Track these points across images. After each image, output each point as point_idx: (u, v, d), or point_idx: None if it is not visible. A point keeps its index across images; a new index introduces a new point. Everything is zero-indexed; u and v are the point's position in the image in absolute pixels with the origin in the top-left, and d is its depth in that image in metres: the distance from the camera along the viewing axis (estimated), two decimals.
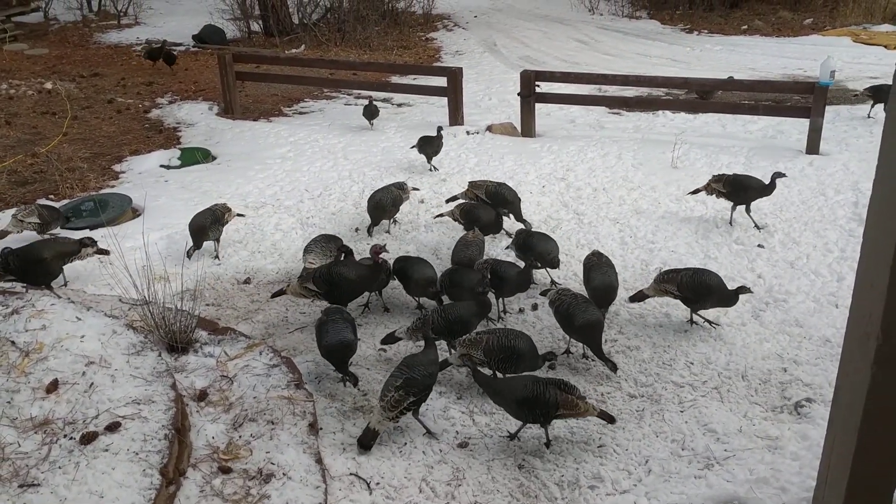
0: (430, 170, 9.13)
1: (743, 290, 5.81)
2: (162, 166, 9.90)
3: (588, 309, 5.38)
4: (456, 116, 10.90)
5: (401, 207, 7.73)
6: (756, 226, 7.39)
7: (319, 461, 4.33)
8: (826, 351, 5.55)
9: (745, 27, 18.49)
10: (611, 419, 4.67)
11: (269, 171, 9.36)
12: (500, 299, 6.16)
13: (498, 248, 7.19)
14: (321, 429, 4.72)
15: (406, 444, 4.69)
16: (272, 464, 4.21)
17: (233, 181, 9.01)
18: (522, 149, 9.80)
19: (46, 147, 10.40)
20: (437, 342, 5.49)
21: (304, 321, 6.14)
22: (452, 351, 5.48)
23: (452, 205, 7.49)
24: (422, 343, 5.11)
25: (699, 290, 5.75)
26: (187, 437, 4.23)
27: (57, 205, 8.11)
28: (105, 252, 6.59)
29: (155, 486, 3.65)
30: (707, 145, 9.68)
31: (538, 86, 10.56)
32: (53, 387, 4.18)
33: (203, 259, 7.08)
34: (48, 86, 13.56)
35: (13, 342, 4.54)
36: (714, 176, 7.68)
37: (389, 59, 16.26)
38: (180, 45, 17.39)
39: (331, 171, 9.30)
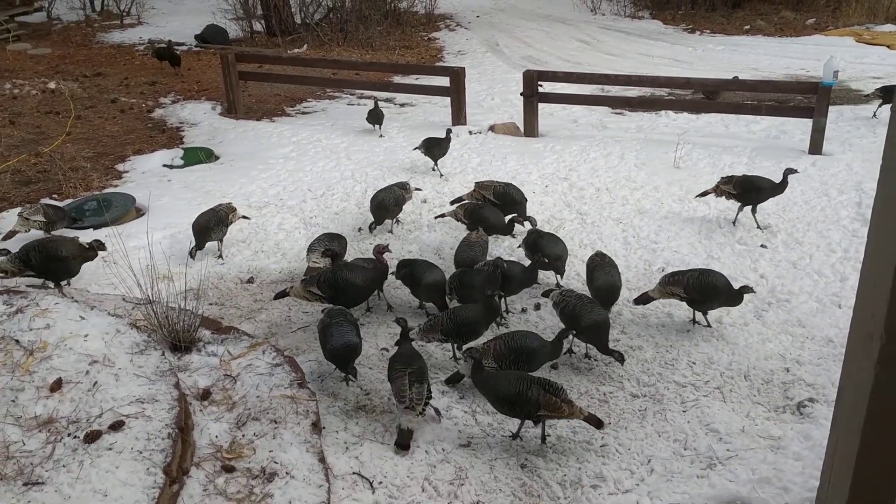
0: (435, 171, 9.06)
1: (746, 289, 5.82)
2: (165, 166, 9.92)
3: (594, 309, 5.39)
4: (458, 116, 10.91)
5: (403, 207, 7.73)
6: (759, 226, 7.39)
7: (322, 460, 4.33)
8: (829, 351, 5.55)
9: (748, 27, 18.48)
10: (598, 424, 4.59)
11: (272, 170, 9.38)
12: (504, 299, 6.16)
13: (500, 248, 7.19)
14: (324, 428, 4.73)
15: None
16: (275, 463, 4.21)
17: (236, 181, 9.02)
18: (525, 149, 9.81)
19: (50, 147, 10.42)
20: (445, 343, 5.52)
21: (306, 321, 6.15)
22: (459, 354, 5.50)
23: (455, 206, 7.48)
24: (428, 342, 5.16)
25: (706, 291, 5.74)
26: (191, 436, 4.23)
27: (61, 204, 8.13)
28: (103, 248, 6.58)
29: (158, 485, 3.66)
30: (710, 145, 9.68)
31: (541, 86, 10.57)
32: (57, 385, 4.19)
33: (206, 258, 7.10)
34: (51, 85, 13.58)
35: (17, 341, 4.55)
36: (723, 178, 7.63)
37: (392, 58, 16.27)
38: (183, 44, 17.41)
39: (333, 170, 9.31)
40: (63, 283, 6.28)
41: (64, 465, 3.68)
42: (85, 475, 3.63)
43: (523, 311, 6.24)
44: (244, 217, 7.57)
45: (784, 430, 4.74)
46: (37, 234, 7.22)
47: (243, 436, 4.39)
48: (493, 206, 7.31)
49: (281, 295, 6.08)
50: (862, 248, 2.79)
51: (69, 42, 17.99)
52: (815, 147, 9.21)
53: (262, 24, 18.77)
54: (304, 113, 12.64)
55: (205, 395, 4.70)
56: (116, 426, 3.95)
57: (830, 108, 9.31)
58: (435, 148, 9.00)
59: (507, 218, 7.19)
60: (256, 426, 4.47)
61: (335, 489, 4.25)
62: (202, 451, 4.23)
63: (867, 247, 2.63)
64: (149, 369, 4.47)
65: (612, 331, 5.81)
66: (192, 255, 6.98)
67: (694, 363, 5.51)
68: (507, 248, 7.21)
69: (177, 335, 5.08)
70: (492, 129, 10.68)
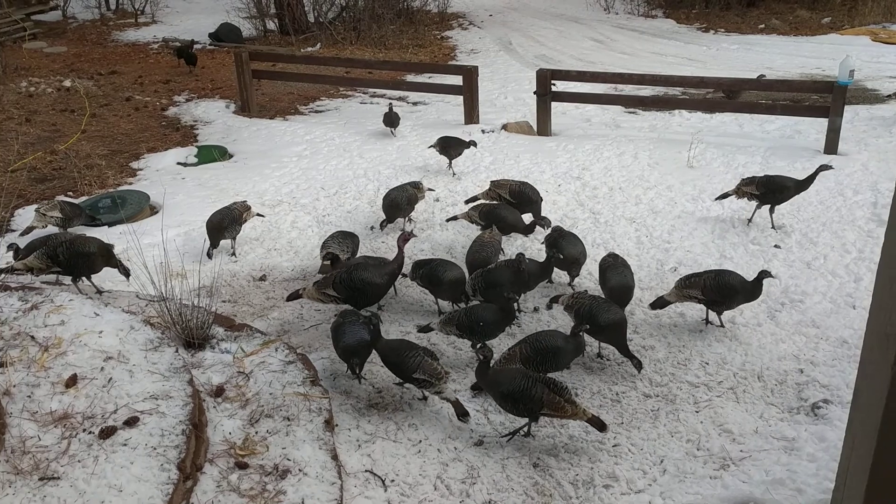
0: (450, 169, 9.03)
1: (764, 274, 5.73)
2: (179, 164, 9.97)
3: (611, 308, 5.38)
4: (471, 115, 10.90)
5: (416, 206, 7.73)
6: (773, 226, 7.35)
7: (335, 458, 4.34)
8: (843, 352, 5.52)
9: (763, 26, 18.38)
10: (601, 426, 4.57)
11: (286, 169, 9.40)
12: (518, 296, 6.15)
13: (513, 246, 7.18)
14: (337, 425, 4.74)
15: (421, 441, 4.71)
16: (288, 460, 4.23)
17: (249, 179, 9.05)
18: (538, 147, 9.79)
19: (65, 144, 10.50)
20: (461, 337, 5.51)
21: (319, 318, 6.16)
22: (474, 350, 5.51)
23: (469, 206, 7.46)
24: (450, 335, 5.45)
25: (724, 291, 5.70)
26: (204, 433, 4.26)
27: (76, 201, 8.18)
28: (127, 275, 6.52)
29: (172, 481, 3.68)
30: (724, 145, 9.63)
31: (554, 84, 10.55)
32: (72, 381, 4.22)
33: (220, 256, 7.13)
34: (67, 84, 13.68)
35: (33, 337, 4.59)
36: (743, 179, 7.54)
37: (405, 57, 16.29)
38: (197, 43, 17.48)
39: (346, 169, 9.33)
40: (81, 280, 6.30)
41: (79, 461, 3.70)
42: (100, 470, 3.66)
43: (535, 310, 6.23)
44: (258, 215, 7.60)
45: (798, 431, 4.72)
46: (53, 230, 7.27)
47: (256, 433, 4.40)
48: (508, 205, 7.27)
49: (293, 297, 6.05)
50: (877, 249, 2.77)
51: (84, 40, 18.11)
52: (831, 147, 9.15)
53: (276, 22, 18.84)
54: (317, 111, 12.68)
55: (218, 391, 4.72)
56: (131, 422, 3.97)
57: (846, 107, 9.24)
58: (451, 147, 8.96)
59: (530, 221, 7.15)
60: (269, 423, 4.49)
61: (348, 487, 4.26)
62: (215, 447, 4.25)
63: (884, 247, 2.61)
64: (163, 366, 4.49)
65: None
66: (209, 255, 7.01)
67: (707, 363, 5.49)
68: (518, 247, 7.20)
69: (190, 332, 5.10)
70: (504, 127, 10.67)
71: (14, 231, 7.60)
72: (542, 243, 6.88)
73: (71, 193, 8.81)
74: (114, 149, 10.51)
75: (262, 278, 6.89)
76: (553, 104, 10.56)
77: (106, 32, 19.14)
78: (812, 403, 4.96)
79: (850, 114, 10.05)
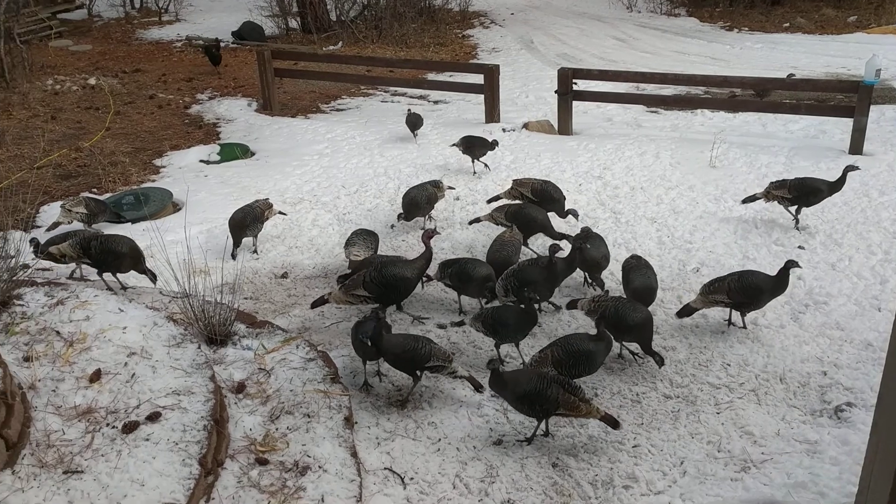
0: (477, 166, 8.97)
1: (791, 264, 5.67)
2: (202, 161, 10.04)
3: (636, 307, 5.37)
4: (492, 114, 10.89)
5: (436, 206, 7.73)
6: (797, 227, 7.28)
7: (354, 455, 4.36)
8: (868, 355, 5.46)
9: (787, 24, 18.19)
10: (615, 424, 4.60)
11: (307, 167, 9.45)
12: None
13: (533, 245, 7.17)
14: (356, 423, 4.76)
15: (440, 439, 4.72)
16: (308, 456, 4.25)
17: (271, 177, 9.11)
18: (559, 147, 9.76)
19: (90, 142, 10.61)
20: (487, 335, 5.51)
21: (340, 316, 6.19)
22: (495, 350, 5.52)
23: (492, 207, 7.43)
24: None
25: (750, 292, 5.65)
26: (225, 429, 4.29)
27: (101, 198, 8.27)
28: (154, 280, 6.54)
29: (194, 476, 3.71)
30: (746, 145, 9.55)
31: (575, 83, 10.51)
32: (96, 376, 4.27)
33: (242, 253, 7.18)
34: (92, 81, 13.82)
35: (58, 332, 4.65)
36: (773, 182, 7.44)
37: (426, 56, 16.29)
38: (222, 41, 17.59)
39: (367, 167, 9.35)
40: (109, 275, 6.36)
41: (102, 455, 3.75)
42: (123, 465, 3.70)
43: (557, 309, 6.21)
44: (280, 213, 7.65)
45: (821, 434, 4.67)
46: (78, 226, 7.36)
47: (277, 429, 4.43)
48: (533, 204, 7.21)
49: (319, 303, 6.01)
50: None
51: (109, 39, 18.29)
52: (856, 147, 9.04)
53: (298, 21, 18.92)
54: (338, 110, 12.72)
55: (239, 388, 4.75)
56: (153, 417, 4.02)
57: (872, 107, 9.14)
58: (475, 147, 8.91)
59: (566, 210, 7.14)
60: (290, 420, 4.52)
61: (367, 484, 4.28)
62: (236, 443, 4.28)
63: None
64: (185, 362, 4.54)
65: None
66: (233, 256, 7.05)
67: (728, 365, 5.45)
68: (539, 246, 7.19)
69: (212, 329, 5.14)
70: (525, 126, 10.65)
71: (39, 227, 7.71)
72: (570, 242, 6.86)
73: (95, 190, 8.91)
74: (137, 146, 10.61)
75: (284, 276, 6.93)
76: (574, 103, 10.52)
77: (130, 31, 19.32)
78: (835, 406, 4.91)
79: (875, 114, 9.92)
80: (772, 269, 6.57)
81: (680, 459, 4.56)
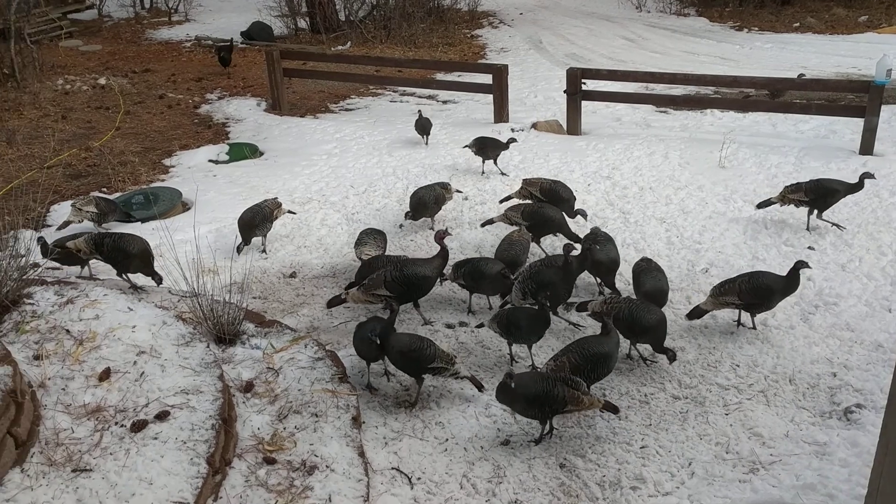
0: (501, 173, 8.91)
1: (800, 264, 5.66)
2: (211, 161, 10.07)
3: (651, 308, 5.37)
4: (501, 114, 10.88)
5: (444, 207, 7.72)
6: (807, 227, 7.24)
7: (362, 454, 4.37)
8: (878, 356, 5.43)
9: (797, 24, 18.09)
10: (614, 410, 4.71)
11: (315, 167, 9.46)
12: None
13: (543, 244, 7.16)
14: (364, 422, 4.77)
15: (447, 440, 4.72)
16: (316, 456, 4.26)
17: (280, 176, 9.12)
18: (568, 147, 9.75)
19: (100, 141, 10.66)
20: (502, 336, 5.52)
21: (348, 316, 6.20)
22: (510, 352, 5.52)
23: (504, 207, 7.41)
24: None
25: (762, 293, 5.63)
26: (233, 428, 4.30)
27: (111, 197, 8.31)
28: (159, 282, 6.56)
29: (202, 475, 3.73)
30: (756, 145, 9.51)
31: (584, 83, 10.48)
32: (106, 375, 4.29)
33: (251, 253, 7.20)
34: (102, 81, 13.88)
35: (68, 331, 4.67)
36: (788, 186, 7.37)
37: (434, 56, 16.28)
38: (229, 41, 17.65)
39: (375, 167, 9.36)
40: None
41: (111, 453, 3.77)
42: (131, 463, 3.71)
43: (566, 308, 6.18)
44: (289, 212, 7.66)
45: (830, 435, 4.65)
46: (89, 225, 7.40)
47: (284, 428, 4.44)
48: (548, 204, 7.18)
49: (335, 302, 6.07)
50: None
51: (119, 39, 18.36)
52: (867, 147, 8.99)
53: (307, 21, 18.94)
54: (347, 110, 12.74)
55: (248, 387, 4.77)
56: (162, 416, 4.03)
57: (883, 107, 9.08)
58: (488, 148, 8.86)
59: (574, 210, 7.12)
60: (298, 419, 4.52)
61: (374, 483, 4.29)
62: (244, 442, 4.29)
63: None
64: (194, 361, 4.55)
65: None
66: (238, 251, 7.08)
67: (737, 366, 5.43)
68: (548, 246, 7.18)
69: (221, 328, 5.16)
70: (534, 126, 10.63)
71: (50, 226, 7.75)
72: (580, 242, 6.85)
73: (105, 190, 8.94)
74: (147, 146, 10.65)
75: (293, 275, 6.94)
76: (583, 103, 10.49)
77: (140, 31, 19.39)
78: (845, 408, 4.89)
79: (886, 114, 9.86)
80: (781, 270, 6.54)
81: (688, 461, 4.54)
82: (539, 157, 9.42)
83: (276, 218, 7.40)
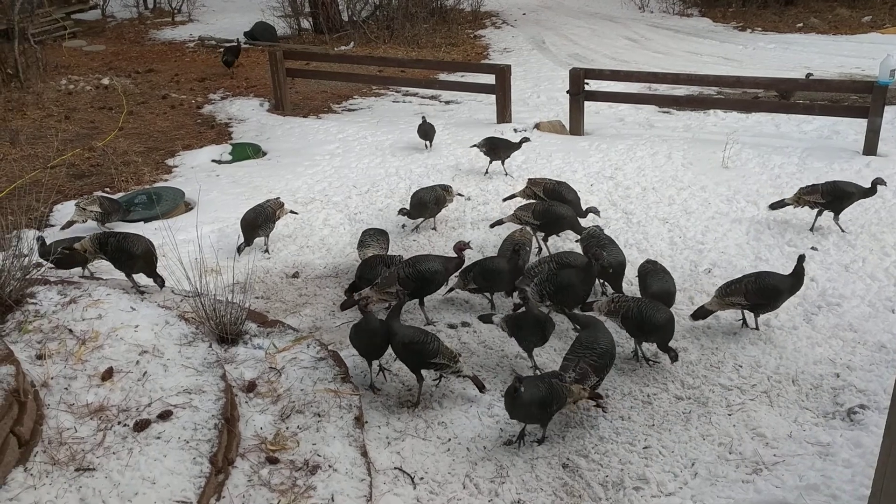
0: (506, 174, 8.91)
1: (802, 257, 5.67)
2: (214, 161, 10.09)
3: (659, 307, 5.36)
4: (504, 114, 10.88)
5: (444, 209, 7.71)
6: (811, 227, 7.23)
7: (365, 454, 4.37)
8: (881, 357, 5.42)
9: (801, 25, 18.08)
10: (598, 396, 4.78)
11: (318, 167, 9.47)
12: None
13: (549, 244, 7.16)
14: (366, 422, 4.77)
15: (450, 439, 4.71)
16: (318, 455, 4.26)
17: (282, 176, 9.13)
18: (571, 147, 9.75)
19: (103, 141, 10.67)
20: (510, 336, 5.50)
21: (351, 316, 6.19)
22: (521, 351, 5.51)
23: (512, 207, 7.38)
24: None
25: (768, 293, 5.61)
26: (236, 427, 4.30)
27: (114, 197, 8.32)
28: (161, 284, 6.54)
29: (205, 475, 3.73)
30: (759, 145, 9.50)
31: (587, 84, 10.48)
32: (108, 375, 4.29)
33: (253, 253, 7.20)
34: (105, 81, 13.91)
35: (71, 330, 4.67)
36: (804, 188, 7.34)
37: (437, 56, 16.30)
38: (232, 41, 17.66)
39: (378, 167, 9.36)
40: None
41: (114, 453, 3.77)
42: (134, 462, 3.71)
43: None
44: (292, 212, 7.67)
45: (833, 436, 4.64)
46: (92, 224, 7.40)
47: (287, 428, 4.44)
48: (559, 202, 7.16)
49: (350, 304, 6.11)
50: None
51: (122, 39, 18.40)
52: (870, 148, 8.98)
53: (310, 21, 18.97)
54: (349, 110, 12.75)
55: (250, 387, 4.77)
56: (165, 416, 4.03)
57: (886, 108, 9.07)
58: (499, 149, 8.81)
59: (586, 208, 7.12)
60: (300, 419, 4.52)
61: (377, 483, 4.28)
62: (247, 442, 4.29)
63: None
64: (196, 360, 4.55)
65: None
66: (239, 250, 7.08)
67: (740, 366, 5.42)
68: (552, 246, 7.17)
69: (224, 328, 5.16)
70: (537, 126, 10.63)
71: (53, 226, 7.76)
72: (576, 241, 6.84)
73: (108, 189, 8.96)
74: (150, 146, 10.67)
75: (295, 275, 6.95)
76: (586, 103, 10.49)
77: (143, 31, 19.43)
78: (848, 409, 4.88)
79: (890, 114, 9.84)
80: (785, 271, 6.54)
81: (691, 461, 4.54)
82: (542, 157, 9.42)
83: (279, 218, 7.41)
